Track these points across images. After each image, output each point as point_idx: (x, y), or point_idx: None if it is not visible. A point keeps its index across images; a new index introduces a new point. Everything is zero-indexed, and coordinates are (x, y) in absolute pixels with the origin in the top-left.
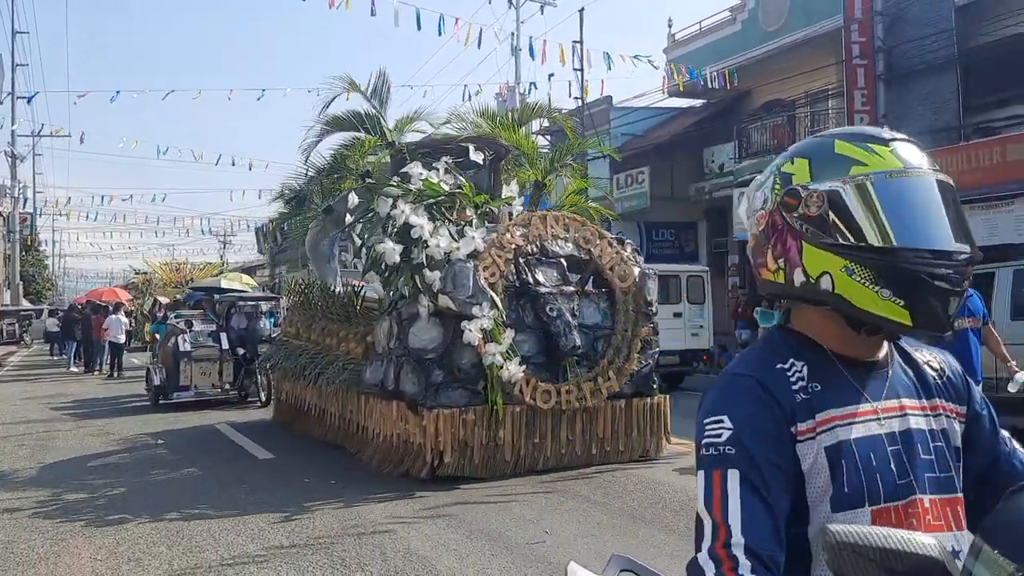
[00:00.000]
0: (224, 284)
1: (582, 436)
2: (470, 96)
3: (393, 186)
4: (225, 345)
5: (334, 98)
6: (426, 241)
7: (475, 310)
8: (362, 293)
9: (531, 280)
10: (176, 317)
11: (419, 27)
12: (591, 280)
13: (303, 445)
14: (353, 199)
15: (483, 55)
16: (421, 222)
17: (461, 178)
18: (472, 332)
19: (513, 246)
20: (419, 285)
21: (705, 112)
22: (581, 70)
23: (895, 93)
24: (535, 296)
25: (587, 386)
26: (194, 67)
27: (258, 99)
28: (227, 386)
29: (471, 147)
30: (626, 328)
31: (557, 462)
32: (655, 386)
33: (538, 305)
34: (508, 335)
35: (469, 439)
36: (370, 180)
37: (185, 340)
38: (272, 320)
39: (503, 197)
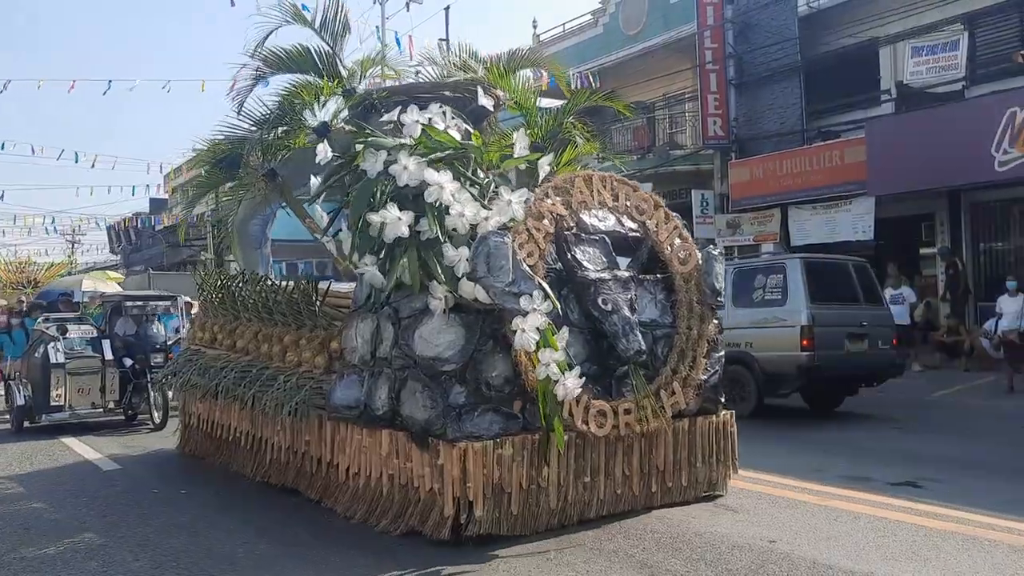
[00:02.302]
0: (87, 285)
1: (640, 470)
2: None
3: (373, 136)
4: (109, 355)
5: (271, 32)
6: (447, 207)
7: (523, 302)
8: (327, 287)
9: (576, 263)
10: (45, 321)
11: None
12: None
13: (230, 490)
14: (324, 152)
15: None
16: (441, 180)
17: (468, 127)
18: (527, 333)
19: (554, 216)
20: (432, 270)
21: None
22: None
23: (745, 98)
24: (584, 284)
25: (648, 403)
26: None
27: (130, 89)
28: (111, 404)
29: (479, 89)
30: (690, 326)
31: (612, 507)
32: (723, 400)
33: (587, 296)
34: (563, 336)
35: (506, 482)
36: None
37: (58, 349)
38: (167, 323)
39: (524, 155)
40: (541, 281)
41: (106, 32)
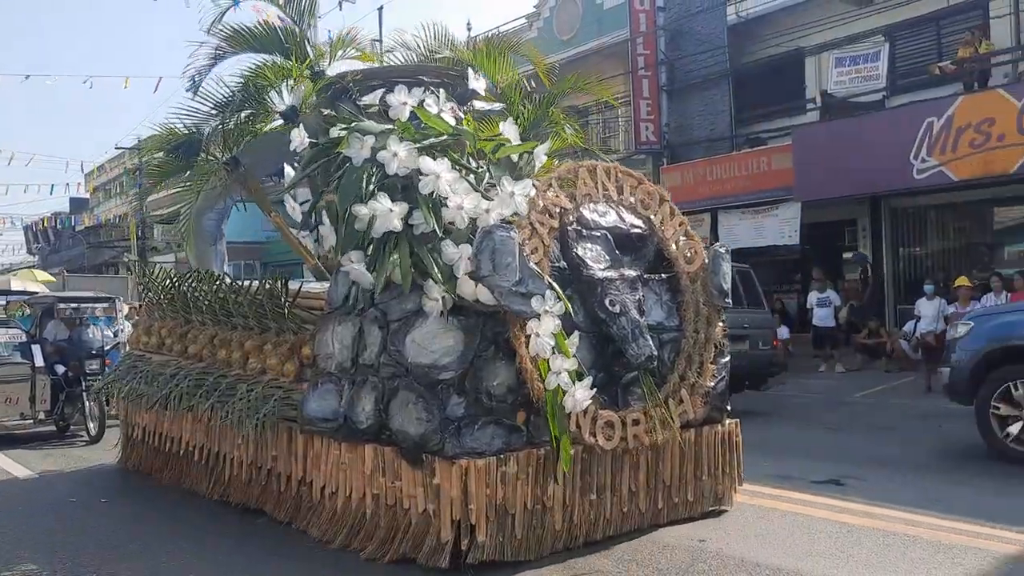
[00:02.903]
0: (15, 285)
1: (646, 485)
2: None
3: (347, 122)
4: (40, 361)
5: (230, 6)
6: (443, 199)
7: (534, 303)
8: (299, 287)
9: (581, 260)
10: None
11: None
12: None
13: (184, 510)
14: (300, 138)
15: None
16: (437, 168)
17: (459, 113)
18: (542, 339)
19: (558, 210)
20: (427, 267)
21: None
22: None
23: (677, 104)
24: (590, 284)
25: (657, 413)
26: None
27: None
28: (42, 415)
29: (471, 72)
30: (697, 329)
31: (619, 526)
32: (729, 408)
33: (593, 297)
34: (574, 342)
35: (510, 503)
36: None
37: None
38: (101, 325)
39: (520, 143)
40: (550, 281)
41: (23, 23)
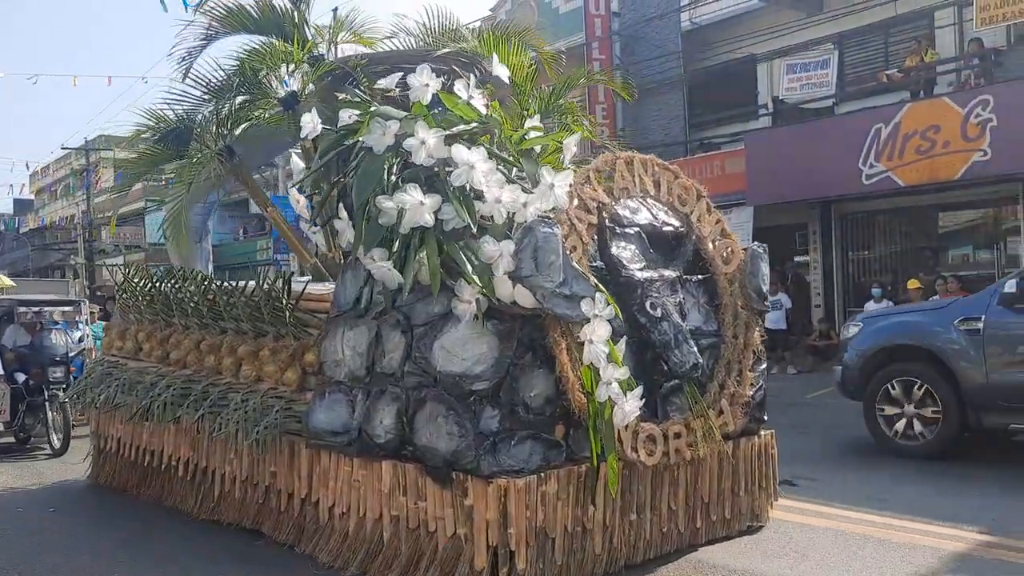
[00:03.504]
0: None
1: (685, 503)
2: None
3: (362, 106)
4: None
5: None
6: (479, 192)
7: (584, 306)
8: (303, 287)
9: (619, 260)
10: None
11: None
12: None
13: (166, 533)
14: (311, 124)
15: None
16: (471, 158)
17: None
18: (597, 345)
19: (596, 205)
20: (459, 266)
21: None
22: None
23: (632, 109)
24: (629, 286)
25: (698, 425)
26: None
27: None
28: (0, 426)
29: (495, 58)
30: (736, 334)
31: (659, 547)
32: (766, 419)
33: (633, 300)
34: (622, 348)
35: (550, 525)
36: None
37: None
38: (64, 330)
39: (551, 133)
40: (596, 282)
41: None
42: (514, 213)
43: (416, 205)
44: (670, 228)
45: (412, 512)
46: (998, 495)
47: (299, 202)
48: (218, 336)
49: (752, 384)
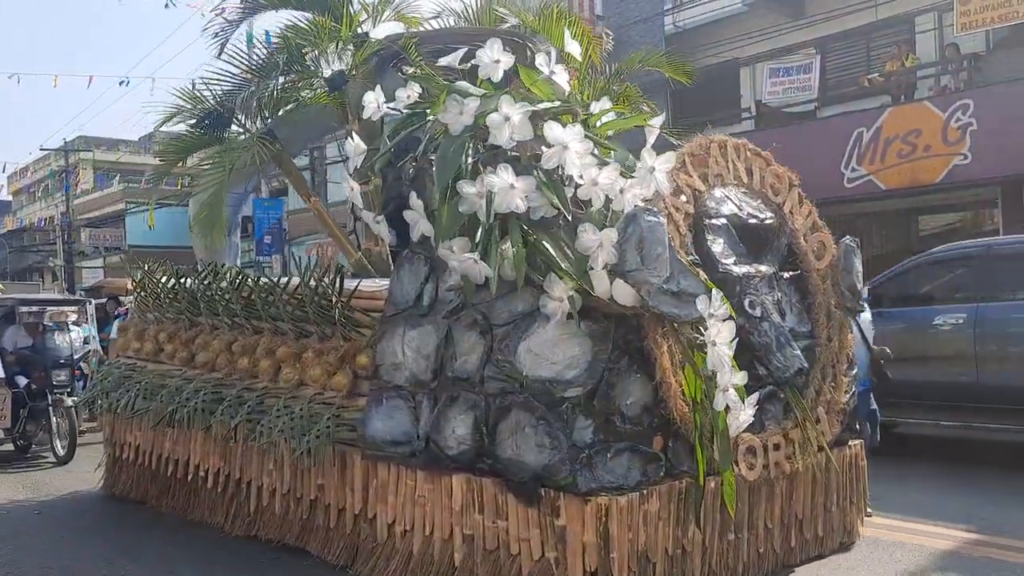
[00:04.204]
0: None
1: (781, 520)
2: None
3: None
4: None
5: None
6: (573, 178)
7: (699, 305)
8: (356, 284)
9: (714, 254)
10: None
11: None
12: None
13: (202, 552)
14: (374, 103)
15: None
16: (565, 138)
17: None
18: (720, 348)
19: (692, 193)
20: (550, 259)
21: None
22: None
23: None
24: (726, 282)
25: (796, 435)
26: None
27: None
28: (0, 433)
29: (567, 34)
30: (830, 336)
31: (755, 569)
32: (857, 428)
33: (731, 298)
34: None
35: (652, 548)
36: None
37: None
38: (69, 331)
39: (632, 115)
40: (705, 277)
41: None
42: (611, 200)
43: (506, 189)
44: (755, 220)
45: (490, 531)
46: (986, 494)
47: (355, 190)
48: (252, 336)
49: (846, 390)
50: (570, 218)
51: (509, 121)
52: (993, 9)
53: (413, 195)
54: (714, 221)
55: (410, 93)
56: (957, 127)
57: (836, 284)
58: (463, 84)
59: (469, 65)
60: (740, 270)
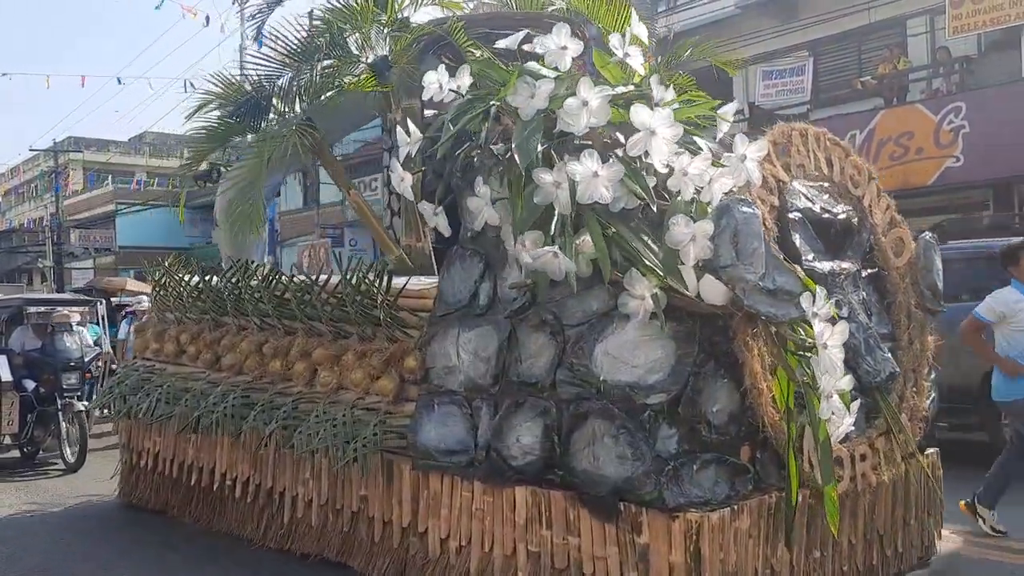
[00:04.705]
0: None
1: (863, 536)
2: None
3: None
4: (6, 375)
5: None
6: (653, 166)
7: (803, 303)
8: (405, 282)
9: (797, 251)
10: None
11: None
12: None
13: (236, 566)
14: (436, 84)
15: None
16: (653, 122)
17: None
18: (832, 351)
19: (777, 184)
20: (631, 253)
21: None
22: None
23: None
24: (811, 279)
25: (880, 444)
26: None
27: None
28: (7, 439)
29: (635, 16)
30: (911, 338)
31: None
32: (936, 435)
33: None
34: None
35: (742, 569)
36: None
37: None
38: (79, 332)
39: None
40: (803, 274)
41: None
42: (701, 190)
43: (589, 177)
44: (828, 215)
45: (559, 549)
46: None
47: (405, 180)
48: (284, 338)
49: (927, 396)
50: (655, 209)
51: (587, 106)
52: (984, 13)
53: (479, 182)
54: (791, 215)
55: (461, 79)
56: (949, 130)
57: (915, 283)
58: (534, 65)
59: (511, 48)
60: (824, 267)
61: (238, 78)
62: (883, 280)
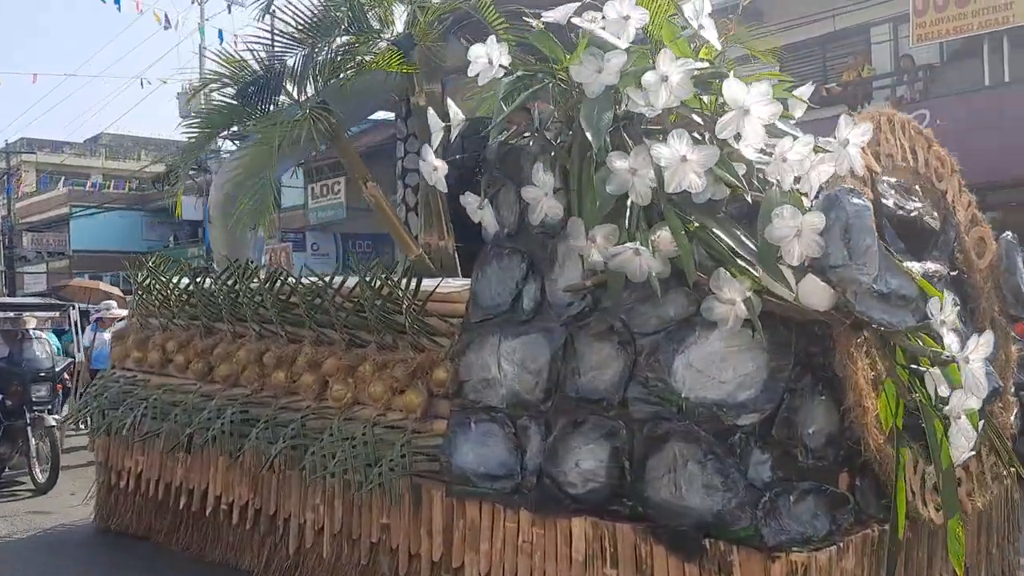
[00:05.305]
0: None
1: (953, 568)
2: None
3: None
4: None
5: None
6: (756, 150)
7: (931, 309)
8: (436, 285)
9: (889, 249)
10: None
11: None
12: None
13: None
14: (484, 58)
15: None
16: (747, 101)
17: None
18: (975, 367)
19: (871, 176)
20: (723, 251)
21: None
22: None
23: None
24: None
25: (972, 466)
26: None
27: None
28: None
29: None
30: (996, 349)
31: None
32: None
33: None
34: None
35: None
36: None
37: None
38: (49, 340)
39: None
40: (917, 275)
41: None
42: (800, 179)
43: (677, 163)
44: (902, 212)
45: None
46: None
47: (436, 170)
48: (288, 346)
49: (1011, 411)
50: (750, 200)
51: (667, 82)
52: (947, 22)
53: (539, 169)
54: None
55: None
56: None
57: (998, 287)
58: (602, 34)
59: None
60: (914, 268)
61: (245, 56)
62: (964, 284)
